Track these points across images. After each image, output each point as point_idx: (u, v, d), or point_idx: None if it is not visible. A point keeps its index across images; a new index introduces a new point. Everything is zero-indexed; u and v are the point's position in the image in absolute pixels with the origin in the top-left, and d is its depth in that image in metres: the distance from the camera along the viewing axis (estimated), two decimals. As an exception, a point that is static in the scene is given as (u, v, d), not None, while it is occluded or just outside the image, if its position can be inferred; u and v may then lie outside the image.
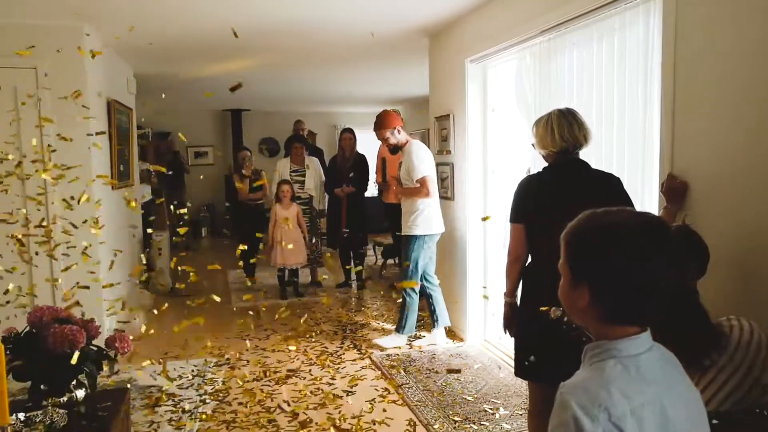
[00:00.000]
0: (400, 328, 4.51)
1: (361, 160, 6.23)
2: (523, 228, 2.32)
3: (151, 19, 4.20)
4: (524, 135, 3.65)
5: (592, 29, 2.94)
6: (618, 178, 2.33)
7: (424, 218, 4.33)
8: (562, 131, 2.27)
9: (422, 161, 4.32)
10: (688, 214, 1.90)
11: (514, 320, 2.44)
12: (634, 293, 0.99)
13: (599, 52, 2.90)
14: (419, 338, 4.60)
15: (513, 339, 2.48)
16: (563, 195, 2.21)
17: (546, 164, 2.37)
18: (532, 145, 2.42)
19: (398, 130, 4.38)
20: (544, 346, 2.19)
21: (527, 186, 2.36)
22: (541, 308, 1.85)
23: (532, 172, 3.46)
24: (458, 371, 3.72)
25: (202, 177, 9.32)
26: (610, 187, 2.28)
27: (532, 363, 2.27)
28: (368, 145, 6.82)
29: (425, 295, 4.53)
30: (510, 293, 2.44)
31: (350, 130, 6.32)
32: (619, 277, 0.98)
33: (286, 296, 6.00)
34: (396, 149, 4.43)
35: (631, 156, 2.70)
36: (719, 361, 1.55)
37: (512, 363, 3.89)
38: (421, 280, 4.44)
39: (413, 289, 4.42)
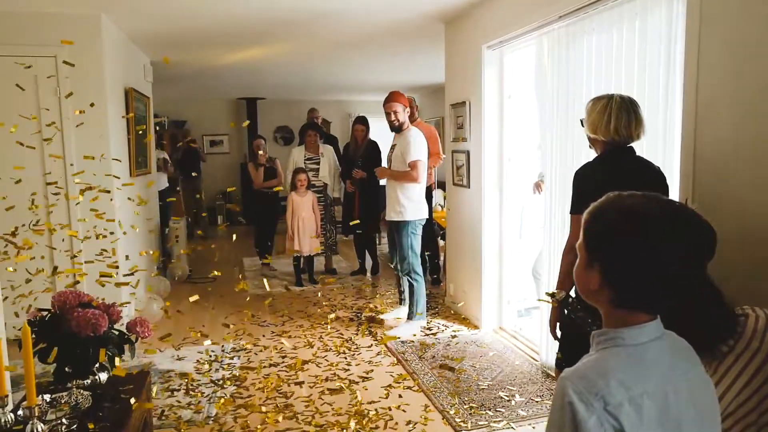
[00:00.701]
0: (412, 315, 4.55)
1: (373, 147, 6.23)
2: None
3: (168, 8, 4.22)
4: (541, 122, 3.62)
5: (613, 14, 2.89)
6: (659, 168, 2.29)
7: (416, 204, 4.41)
8: (618, 124, 2.17)
9: (418, 146, 4.38)
10: (693, 199, 1.88)
11: (562, 324, 2.34)
12: (645, 279, 0.98)
13: (620, 38, 2.86)
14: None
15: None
16: (623, 185, 2.16)
17: (596, 150, 2.29)
18: (581, 121, 2.34)
19: (406, 111, 4.45)
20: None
21: (588, 175, 2.24)
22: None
23: (543, 176, 3.46)
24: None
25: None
26: (658, 175, 2.22)
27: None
28: (383, 133, 6.80)
29: (408, 285, 4.60)
30: (563, 287, 2.30)
31: (362, 121, 6.30)
32: (631, 261, 0.97)
33: (302, 283, 6.04)
34: (398, 129, 4.45)
35: (652, 143, 2.67)
36: (736, 347, 1.54)
37: (527, 350, 3.90)
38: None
39: (417, 272, 4.50)
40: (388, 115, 4.43)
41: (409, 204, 4.39)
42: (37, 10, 4.07)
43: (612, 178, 2.16)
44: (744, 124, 2.14)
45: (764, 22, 2.04)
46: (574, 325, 2.09)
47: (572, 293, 2.11)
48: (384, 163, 4.73)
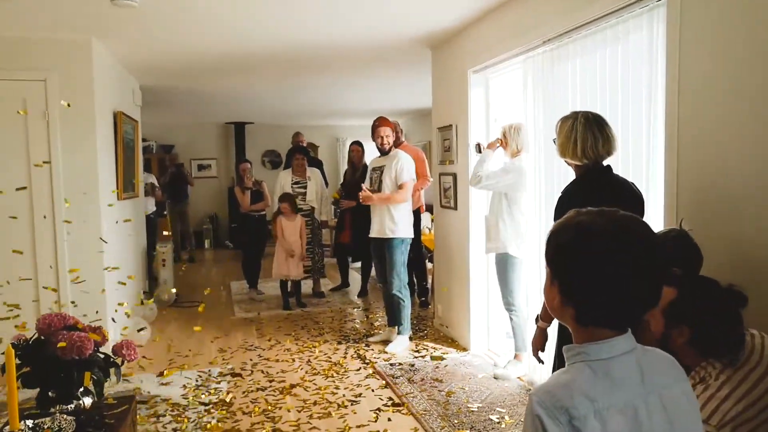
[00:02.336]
0: (404, 330, 4.69)
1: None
2: None
3: (158, 35, 4.26)
4: (527, 144, 3.67)
5: (596, 38, 2.96)
6: (634, 186, 2.31)
7: (406, 222, 4.60)
8: (585, 146, 2.17)
9: (408, 167, 4.62)
10: (684, 218, 1.92)
11: (544, 346, 2.34)
12: (600, 294, 0.99)
13: (603, 61, 2.92)
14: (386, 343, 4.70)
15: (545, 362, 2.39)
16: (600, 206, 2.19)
17: (573, 171, 2.31)
18: (554, 140, 2.36)
19: (393, 134, 4.73)
20: None
21: (566, 199, 2.24)
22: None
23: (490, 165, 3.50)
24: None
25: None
26: (634, 194, 2.24)
27: None
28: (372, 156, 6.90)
29: (394, 302, 4.70)
30: (549, 317, 2.30)
31: (358, 143, 6.57)
32: (587, 277, 0.99)
33: (289, 306, 5.99)
34: (387, 152, 4.67)
35: (635, 164, 2.71)
36: (737, 361, 1.56)
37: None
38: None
39: (406, 288, 4.68)
40: (379, 139, 4.65)
41: (401, 221, 4.56)
42: (28, 35, 4.09)
43: (589, 201, 2.19)
44: (725, 141, 2.19)
45: (742, 41, 2.10)
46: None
47: None
48: (367, 184, 4.80)
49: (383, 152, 4.69)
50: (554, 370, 2.33)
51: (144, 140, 7.03)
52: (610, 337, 1.02)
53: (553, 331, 2.30)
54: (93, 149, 4.28)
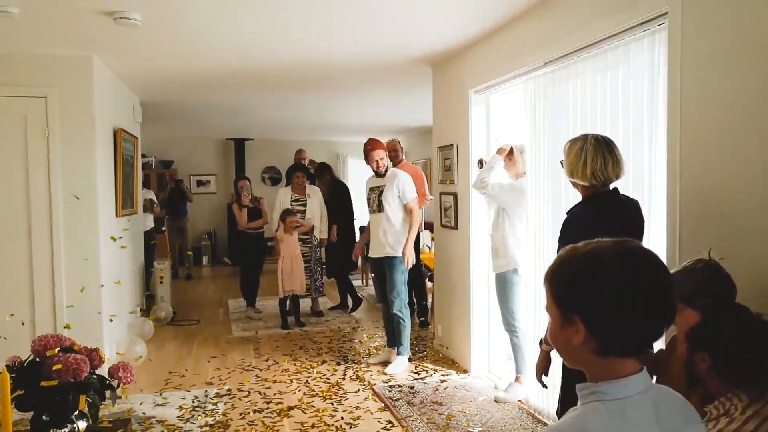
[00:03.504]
0: (404, 350, 4.65)
1: (340, 189, 6.43)
2: None
3: (160, 52, 4.27)
4: (529, 164, 3.66)
5: (597, 61, 2.97)
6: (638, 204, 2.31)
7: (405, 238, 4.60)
8: (594, 167, 2.18)
9: (411, 185, 4.67)
10: (711, 248, 1.89)
11: (547, 370, 2.31)
12: (626, 317, 0.96)
13: (604, 83, 2.93)
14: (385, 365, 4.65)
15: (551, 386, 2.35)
16: (608, 229, 2.18)
17: (579, 192, 2.31)
18: (561, 162, 2.36)
19: (387, 155, 4.76)
20: None
21: (576, 222, 2.23)
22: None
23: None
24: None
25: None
26: (640, 215, 2.25)
27: None
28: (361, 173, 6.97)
29: (394, 322, 4.68)
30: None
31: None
32: (615, 305, 0.96)
33: (287, 326, 5.94)
34: (383, 174, 4.66)
35: (636, 186, 2.70)
36: (766, 395, 1.52)
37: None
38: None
39: (406, 307, 4.66)
40: (375, 163, 4.63)
41: (401, 239, 4.55)
42: (29, 52, 4.09)
43: (598, 223, 2.18)
44: (727, 161, 2.18)
45: (743, 64, 2.10)
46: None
47: None
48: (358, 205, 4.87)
49: (380, 175, 4.69)
50: (560, 395, 2.29)
51: (143, 156, 7.02)
52: (628, 371, 0.99)
53: (557, 354, 2.27)
54: (92, 166, 4.27)
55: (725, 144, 2.18)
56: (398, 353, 4.64)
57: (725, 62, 2.18)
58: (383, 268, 4.62)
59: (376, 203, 4.66)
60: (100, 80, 4.40)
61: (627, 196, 2.36)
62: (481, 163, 4.02)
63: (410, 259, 4.54)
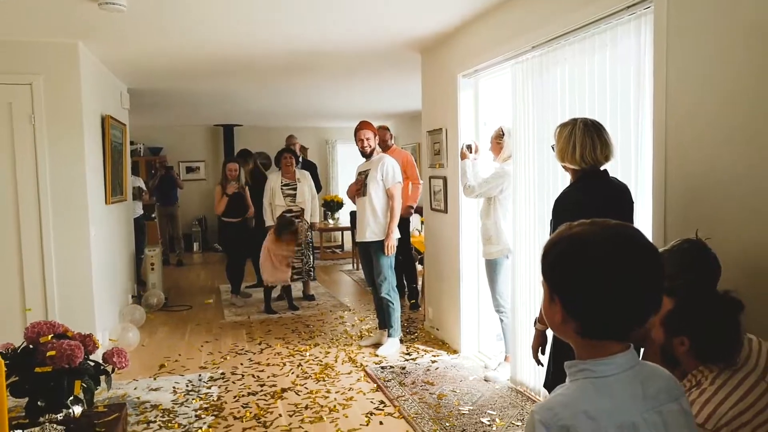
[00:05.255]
0: (395, 332, 4.70)
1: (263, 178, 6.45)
2: None
3: (145, 38, 4.23)
4: (516, 147, 3.69)
5: (585, 44, 2.99)
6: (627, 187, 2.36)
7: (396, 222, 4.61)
8: (584, 151, 2.22)
9: (397, 169, 4.67)
10: (699, 228, 1.92)
11: (543, 348, 2.35)
12: (602, 305, 0.98)
13: (591, 66, 2.95)
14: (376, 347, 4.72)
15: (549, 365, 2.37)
16: (599, 211, 2.22)
17: (570, 176, 2.34)
18: (552, 147, 2.39)
19: (376, 138, 4.74)
20: None
21: (565, 205, 2.26)
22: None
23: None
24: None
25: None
26: (628, 197, 2.29)
27: None
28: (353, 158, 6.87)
29: (383, 305, 4.72)
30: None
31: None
32: (588, 289, 0.98)
33: (272, 310, 5.96)
34: (369, 155, 4.69)
35: (624, 168, 2.74)
36: (734, 365, 1.58)
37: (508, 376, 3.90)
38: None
39: (394, 290, 4.70)
40: (360, 141, 4.67)
41: (386, 223, 4.57)
42: (14, 39, 4.05)
43: (587, 206, 2.21)
44: (713, 142, 2.22)
45: (728, 47, 2.13)
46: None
47: None
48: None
49: (365, 155, 4.72)
50: (548, 373, 2.34)
51: (131, 143, 6.96)
52: (614, 350, 1.02)
53: (551, 333, 2.32)
54: (80, 153, 4.25)
55: (711, 126, 2.22)
56: (389, 335, 4.70)
57: (710, 45, 2.21)
58: (369, 252, 4.66)
59: (363, 187, 4.68)
60: (86, 67, 4.37)
61: (616, 179, 2.40)
62: (470, 148, 4.05)
63: (392, 247, 4.56)
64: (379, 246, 4.58)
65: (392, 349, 4.63)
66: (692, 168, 2.31)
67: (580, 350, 1.05)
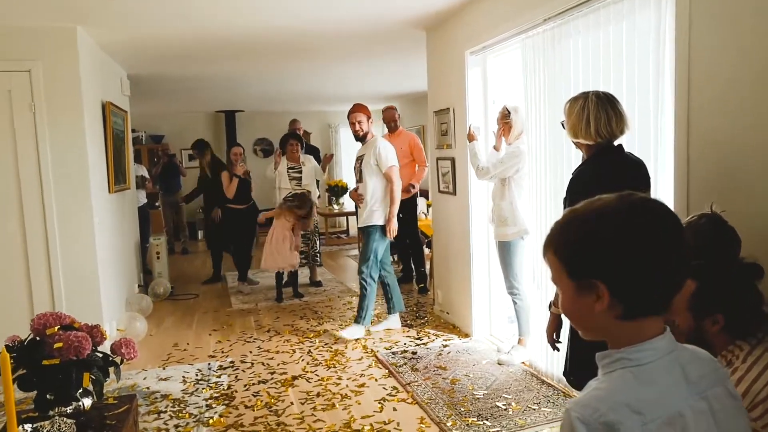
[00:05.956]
0: (360, 319, 4.62)
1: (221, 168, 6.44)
2: None
3: (145, 21, 4.13)
4: (528, 124, 3.59)
5: (599, 15, 2.88)
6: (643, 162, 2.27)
7: (384, 207, 4.52)
8: (598, 125, 2.11)
9: (390, 152, 4.56)
10: (714, 202, 1.85)
11: (559, 332, 2.27)
12: (651, 273, 0.91)
13: (607, 39, 2.84)
14: (376, 324, 4.78)
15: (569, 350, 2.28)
16: (615, 187, 2.13)
17: (583, 152, 2.24)
18: (562, 123, 2.30)
19: (370, 121, 4.64)
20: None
21: (581, 181, 2.16)
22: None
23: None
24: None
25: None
26: (645, 171, 2.21)
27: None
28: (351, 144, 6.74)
29: (383, 284, 4.72)
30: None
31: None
32: (634, 260, 0.91)
33: (281, 299, 5.91)
34: (362, 138, 4.62)
35: (643, 144, 2.65)
36: (765, 339, 1.54)
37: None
38: (380, 269, 4.63)
39: (372, 279, 4.59)
40: (352, 125, 4.59)
41: (379, 208, 4.51)
42: (11, 24, 3.94)
43: (605, 182, 2.12)
44: (736, 116, 2.12)
45: (756, 13, 2.03)
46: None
47: None
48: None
49: (358, 138, 4.65)
50: (568, 354, 2.26)
51: (133, 131, 6.86)
52: (652, 331, 0.95)
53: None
54: (82, 141, 4.16)
55: (735, 97, 2.13)
56: (356, 321, 4.60)
57: (736, 21, 2.10)
58: (363, 236, 4.62)
59: (359, 173, 4.62)
60: (85, 52, 4.27)
61: (632, 154, 2.31)
62: (477, 130, 3.97)
63: (393, 231, 4.49)
64: (369, 230, 4.52)
65: (352, 334, 4.52)
66: (716, 138, 2.22)
67: (616, 338, 0.97)
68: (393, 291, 4.74)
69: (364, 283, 4.57)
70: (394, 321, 4.78)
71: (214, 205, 6.58)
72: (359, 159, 4.64)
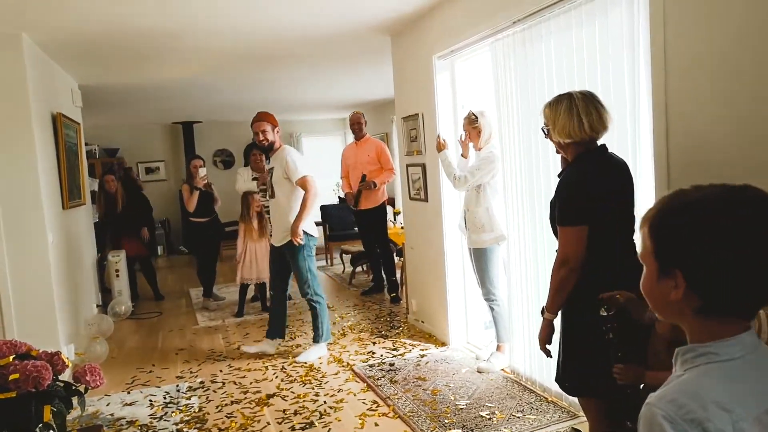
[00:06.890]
0: (318, 338, 4.38)
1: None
2: (587, 230, 2.01)
3: (88, 20, 3.79)
4: (500, 128, 3.55)
5: (570, 17, 2.86)
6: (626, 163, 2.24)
7: (309, 222, 4.23)
8: (591, 120, 2.06)
9: (300, 161, 4.22)
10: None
11: (550, 339, 2.19)
12: (734, 275, 0.86)
13: (579, 40, 2.82)
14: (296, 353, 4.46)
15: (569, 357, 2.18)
16: (615, 187, 2.07)
17: (567, 154, 2.17)
18: (543, 129, 2.22)
19: (277, 131, 4.30)
20: (605, 358, 1.89)
21: (579, 183, 2.08)
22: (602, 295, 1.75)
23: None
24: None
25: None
26: (629, 171, 2.18)
27: (596, 379, 1.99)
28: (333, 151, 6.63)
29: (309, 308, 4.41)
30: (556, 309, 2.13)
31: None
32: (718, 258, 0.85)
33: (242, 313, 5.72)
34: (267, 149, 4.31)
35: (621, 142, 2.62)
36: None
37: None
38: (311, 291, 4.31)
39: (318, 294, 4.33)
40: (256, 135, 4.24)
41: (304, 220, 4.15)
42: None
43: (601, 181, 2.08)
44: (716, 114, 2.11)
45: (729, 13, 2.02)
46: (604, 347, 1.86)
47: (602, 312, 1.85)
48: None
49: (263, 150, 4.40)
50: (560, 360, 2.19)
51: (86, 144, 6.56)
52: (736, 329, 0.89)
53: (558, 322, 2.18)
54: (32, 155, 3.91)
55: (713, 98, 2.11)
56: (315, 340, 4.39)
57: (710, 13, 2.09)
58: (282, 256, 4.30)
59: (270, 188, 4.32)
60: (32, 60, 4.03)
61: (615, 155, 2.27)
62: (445, 142, 3.93)
63: (300, 235, 4.10)
64: (300, 249, 4.17)
65: (315, 355, 4.31)
66: (695, 141, 2.20)
67: (697, 332, 0.92)
68: (323, 317, 4.40)
69: (312, 302, 4.31)
70: (321, 350, 4.40)
71: (143, 225, 6.50)
72: (269, 172, 4.34)
